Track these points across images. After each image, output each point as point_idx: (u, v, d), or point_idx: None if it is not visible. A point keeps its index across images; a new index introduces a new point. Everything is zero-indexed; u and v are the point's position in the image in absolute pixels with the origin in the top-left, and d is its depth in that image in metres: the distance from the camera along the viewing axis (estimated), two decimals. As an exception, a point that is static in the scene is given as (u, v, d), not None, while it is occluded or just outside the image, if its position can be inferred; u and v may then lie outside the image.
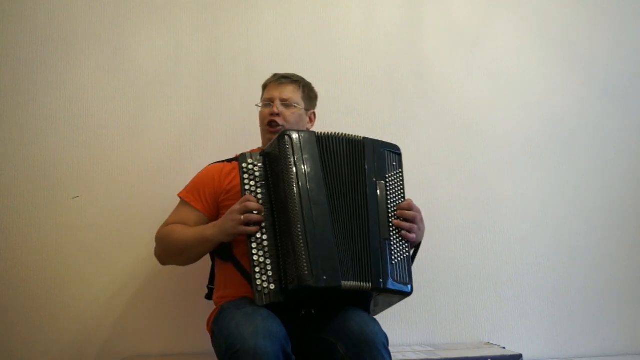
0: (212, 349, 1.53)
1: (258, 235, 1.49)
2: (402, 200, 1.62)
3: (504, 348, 1.97)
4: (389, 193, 1.60)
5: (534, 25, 2.35)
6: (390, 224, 1.57)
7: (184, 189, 1.76)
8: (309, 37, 2.22)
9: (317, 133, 1.58)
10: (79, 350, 1.95)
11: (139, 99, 2.10)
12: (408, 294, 1.55)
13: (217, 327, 1.47)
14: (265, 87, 1.84)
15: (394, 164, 1.65)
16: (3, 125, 2.03)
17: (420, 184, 2.07)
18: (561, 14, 2.38)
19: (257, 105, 1.82)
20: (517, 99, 2.30)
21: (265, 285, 1.44)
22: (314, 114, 1.87)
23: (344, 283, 1.42)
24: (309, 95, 1.84)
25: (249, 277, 1.53)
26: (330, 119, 2.15)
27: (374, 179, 1.59)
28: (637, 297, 2.23)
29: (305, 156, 1.52)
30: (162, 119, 2.10)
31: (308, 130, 1.59)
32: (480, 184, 2.22)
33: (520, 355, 1.80)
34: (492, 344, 2.04)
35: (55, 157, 2.03)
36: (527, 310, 2.17)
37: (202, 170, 1.78)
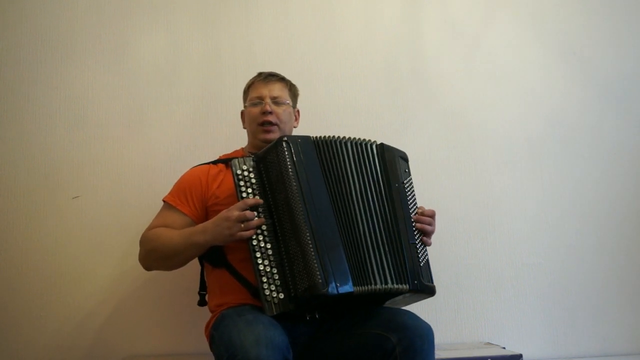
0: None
1: (262, 245, 1.46)
2: (416, 206, 1.65)
3: (504, 348, 1.97)
4: (408, 199, 1.63)
5: (534, 25, 2.35)
6: (414, 229, 1.60)
7: (169, 193, 1.70)
8: (309, 36, 2.22)
9: (314, 138, 1.56)
10: (78, 350, 1.95)
11: (139, 99, 2.10)
12: (434, 294, 1.59)
13: (218, 334, 1.44)
14: (249, 86, 1.80)
15: (406, 170, 1.68)
16: (3, 125, 2.03)
17: (420, 184, 2.05)
18: (561, 14, 2.38)
19: (245, 106, 1.79)
20: (516, 99, 2.30)
21: (274, 295, 1.42)
22: (298, 111, 1.86)
23: (356, 288, 1.42)
24: (294, 93, 1.83)
25: (248, 285, 1.52)
26: (331, 119, 2.16)
27: (397, 185, 1.61)
28: (637, 297, 2.23)
29: (305, 162, 1.50)
30: (162, 118, 2.10)
31: (304, 136, 1.56)
32: (480, 184, 2.22)
33: (520, 355, 1.80)
34: (492, 344, 2.04)
35: (55, 157, 2.03)
36: (527, 310, 2.17)
37: (186, 173, 1.72)
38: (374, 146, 1.62)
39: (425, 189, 2.12)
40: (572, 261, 2.22)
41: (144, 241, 1.64)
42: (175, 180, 1.74)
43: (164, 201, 1.69)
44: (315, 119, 2.13)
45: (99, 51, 2.11)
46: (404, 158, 1.70)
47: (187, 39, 2.15)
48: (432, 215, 1.65)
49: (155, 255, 1.62)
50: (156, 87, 2.11)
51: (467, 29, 2.32)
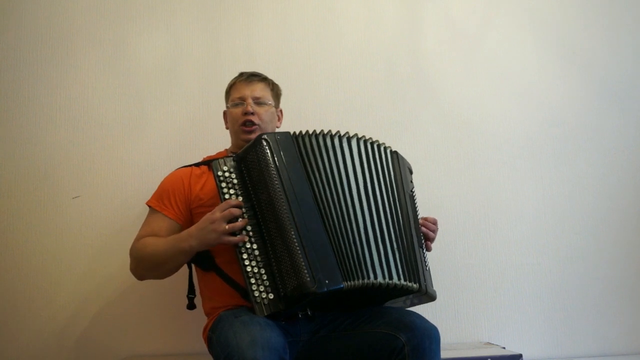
0: (211, 349, 1.53)
1: (248, 246, 1.44)
2: (419, 215, 1.66)
3: (504, 348, 1.97)
4: (415, 207, 1.64)
5: (534, 25, 2.35)
6: (421, 235, 1.61)
7: (152, 197, 1.68)
8: (309, 37, 2.22)
9: (293, 133, 1.54)
10: (78, 350, 1.95)
11: (139, 99, 2.10)
12: (434, 300, 1.60)
13: (215, 336, 1.44)
14: (231, 87, 1.78)
15: (411, 181, 1.69)
16: (3, 125, 2.04)
17: (419, 184, 2.06)
18: (560, 14, 2.38)
19: (228, 107, 1.77)
20: (516, 99, 2.30)
21: (263, 296, 1.41)
22: (281, 111, 1.84)
23: (345, 284, 1.40)
24: (277, 92, 1.81)
25: (238, 287, 1.52)
26: (331, 119, 2.15)
27: (408, 192, 1.62)
28: (636, 297, 2.23)
29: (285, 159, 1.48)
30: (162, 118, 2.10)
31: (283, 132, 1.53)
32: (480, 184, 2.22)
33: (520, 355, 1.80)
34: (492, 344, 2.05)
35: (55, 157, 2.03)
36: (527, 310, 2.17)
37: (168, 176, 1.71)
38: (387, 150, 1.63)
39: (425, 189, 2.12)
40: (572, 261, 2.22)
41: (133, 252, 1.63)
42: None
43: (148, 205, 1.68)
44: (316, 119, 2.13)
45: (99, 51, 2.11)
46: (410, 170, 1.72)
47: (187, 39, 2.15)
48: (435, 223, 1.68)
49: (145, 265, 1.61)
50: (156, 87, 2.11)
51: (467, 29, 2.32)
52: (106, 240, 2.00)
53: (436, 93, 2.26)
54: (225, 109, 1.82)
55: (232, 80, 1.79)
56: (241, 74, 1.78)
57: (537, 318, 2.17)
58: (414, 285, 1.50)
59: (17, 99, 2.05)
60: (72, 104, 2.07)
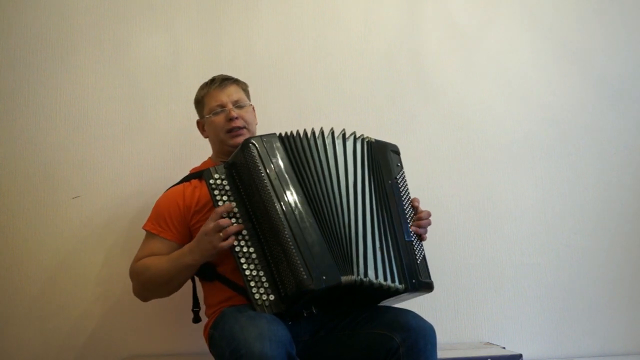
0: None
1: (245, 250, 1.45)
2: (409, 200, 1.65)
3: (504, 348, 1.97)
4: (402, 195, 1.62)
5: (533, 24, 2.35)
6: (409, 226, 1.59)
7: (148, 220, 1.67)
8: (309, 36, 2.22)
9: (279, 134, 1.55)
10: (78, 351, 1.95)
11: (139, 99, 2.10)
12: (432, 290, 1.58)
13: (218, 332, 1.44)
14: (204, 96, 1.76)
15: (398, 164, 1.67)
16: (3, 125, 2.04)
17: (419, 183, 2.07)
18: (560, 14, 2.38)
19: (206, 116, 1.74)
20: (516, 99, 2.30)
21: (264, 298, 1.42)
22: (253, 107, 1.82)
23: (344, 278, 1.41)
24: (247, 90, 1.81)
25: (243, 291, 1.51)
26: (331, 119, 2.15)
27: (390, 182, 1.61)
28: (636, 297, 2.23)
29: (273, 160, 1.49)
30: (162, 118, 2.10)
31: (269, 134, 1.54)
32: (480, 184, 2.22)
33: (520, 355, 1.80)
34: (492, 344, 2.05)
35: (55, 157, 2.03)
36: (527, 310, 2.17)
37: (161, 198, 1.70)
38: (365, 142, 1.62)
39: (425, 189, 2.12)
40: (572, 261, 2.22)
41: (134, 274, 1.62)
42: (173, 182, 1.73)
43: (145, 230, 1.67)
44: (315, 119, 2.13)
45: (99, 52, 2.11)
46: (396, 151, 1.69)
47: (187, 39, 2.15)
48: (427, 217, 1.66)
49: (149, 286, 1.61)
50: (156, 87, 2.11)
51: (467, 29, 2.32)
52: (106, 240, 2.00)
53: (436, 93, 2.26)
54: (198, 118, 1.81)
55: (203, 89, 1.77)
56: (212, 81, 1.76)
57: (537, 318, 2.17)
58: (400, 287, 1.49)
59: (17, 99, 2.05)
60: (72, 104, 2.07)
